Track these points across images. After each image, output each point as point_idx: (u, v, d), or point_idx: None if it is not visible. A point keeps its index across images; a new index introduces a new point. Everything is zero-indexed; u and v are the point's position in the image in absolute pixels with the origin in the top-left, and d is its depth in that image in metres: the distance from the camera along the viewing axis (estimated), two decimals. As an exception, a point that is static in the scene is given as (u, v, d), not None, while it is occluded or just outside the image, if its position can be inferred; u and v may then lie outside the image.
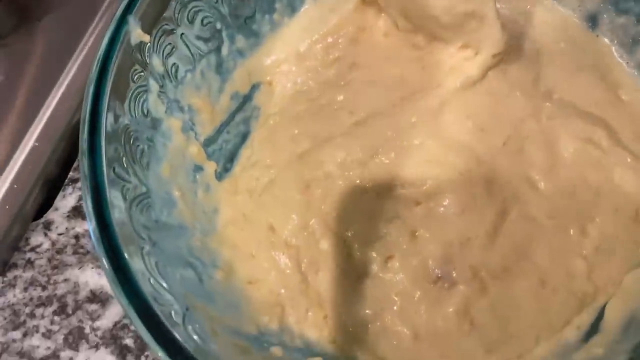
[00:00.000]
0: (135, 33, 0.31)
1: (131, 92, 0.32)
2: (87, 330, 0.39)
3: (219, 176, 0.38)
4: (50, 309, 0.40)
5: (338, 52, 0.40)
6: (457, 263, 0.34)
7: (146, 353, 0.39)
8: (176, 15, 0.35)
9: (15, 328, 0.40)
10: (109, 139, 0.29)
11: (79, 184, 0.44)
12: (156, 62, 0.33)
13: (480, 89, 0.37)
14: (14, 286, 0.41)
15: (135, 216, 0.29)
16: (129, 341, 0.39)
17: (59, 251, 0.42)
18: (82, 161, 0.28)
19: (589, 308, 0.33)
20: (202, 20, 0.37)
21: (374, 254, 0.35)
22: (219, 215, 0.36)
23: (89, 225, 0.27)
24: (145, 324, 0.25)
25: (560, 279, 0.34)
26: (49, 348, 0.39)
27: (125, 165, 0.30)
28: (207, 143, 0.38)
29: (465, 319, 0.33)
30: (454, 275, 0.34)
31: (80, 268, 0.41)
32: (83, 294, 0.41)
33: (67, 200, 0.44)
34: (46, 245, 0.42)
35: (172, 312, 0.27)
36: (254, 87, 0.41)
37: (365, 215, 0.35)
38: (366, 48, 0.40)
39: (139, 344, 0.39)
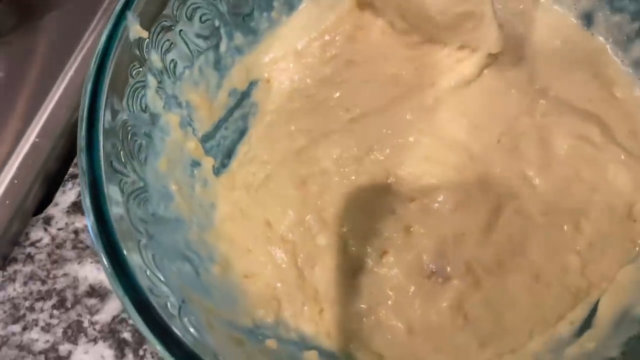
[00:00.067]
0: (134, 29, 0.31)
1: (130, 87, 0.32)
2: (86, 324, 0.40)
3: (217, 171, 0.38)
4: (49, 303, 0.41)
5: (335, 50, 0.40)
6: (451, 258, 0.34)
7: (144, 347, 0.39)
8: (175, 12, 0.35)
9: (14, 321, 0.40)
10: (107, 134, 0.29)
11: (78, 180, 0.45)
12: (154, 58, 0.34)
13: (476, 87, 0.37)
14: (14, 280, 0.41)
15: (133, 209, 0.29)
16: (127, 335, 0.39)
17: (59, 246, 0.42)
18: (80, 157, 0.28)
19: (583, 303, 0.34)
20: (200, 18, 0.37)
21: (369, 249, 0.35)
22: (216, 210, 0.37)
23: (87, 221, 0.27)
24: (143, 317, 0.26)
25: (554, 274, 0.34)
26: (48, 341, 0.39)
27: (123, 160, 0.30)
28: (205, 139, 0.38)
29: (459, 314, 0.33)
30: (448, 270, 0.34)
31: (79, 263, 0.42)
32: (82, 288, 0.41)
33: (67, 195, 0.45)
34: (46, 240, 0.43)
35: (168, 304, 0.27)
36: (252, 84, 0.41)
37: (360, 211, 0.36)
38: (363, 46, 0.40)
39: (137, 337, 0.39)
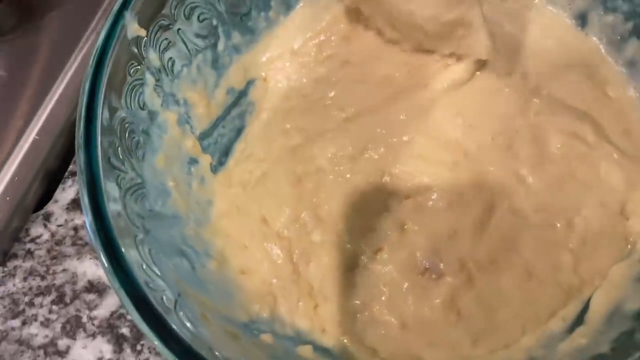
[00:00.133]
0: (132, 28, 0.32)
1: (128, 85, 0.32)
2: (85, 319, 0.40)
3: (214, 169, 0.39)
4: (48, 299, 0.41)
5: (330, 50, 0.41)
6: (444, 255, 0.35)
7: (142, 342, 0.39)
8: (173, 11, 0.35)
9: (14, 316, 0.41)
10: (105, 132, 0.30)
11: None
12: (153, 57, 0.34)
13: (469, 87, 0.38)
14: (13, 276, 0.42)
15: (130, 205, 0.30)
16: (125, 330, 0.40)
17: (58, 242, 0.43)
18: (78, 155, 0.29)
19: (575, 300, 0.34)
20: (198, 17, 0.37)
21: (364, 246, 0.35)
22: (213, 207, 0.37)
23: (85, 219, 0.27)
24: (141, 314, 0.26)
25: (547, 271, 0.34)
26: (47, 336, 0.40)
27: (120, 157, 0.31)
28: (203, 137, 0.38)
29: (452, 310, 0.34)
30: (442, 267, 0.34)
31: (78, 259, 0.42)
32: (81, 284, 0.41)
33: (66, 192, 0.45)
34: (46, 236, 0.43)
35: (164, 298, 0.27)
36: (250, 83, 0.41)
37: (355, 209, 0.36)
38: (357, 47, 0.41)
39: (135, 333, 0.40)
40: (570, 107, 0.37)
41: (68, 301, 0.41)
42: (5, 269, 0.42)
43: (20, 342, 0.40)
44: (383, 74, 0.39)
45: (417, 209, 0.36)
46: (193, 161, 0.37)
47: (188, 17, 0.37)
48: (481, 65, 0.38)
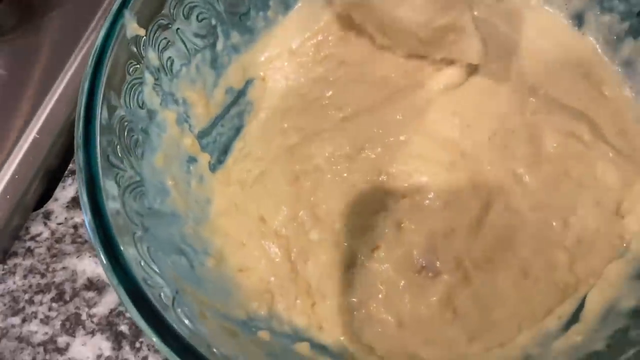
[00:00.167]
0: (131, 27, 0.32)
1: (127, 84, 0.33)
2: (84, 316, 0.41)
3: (213, 168, 0.39)
4: (48, 296, 0.41)
5: (328, 50, 0.41)
6: (441, 253, 0.35)
7: (141, 339, 0.40)
8: (172, 10, 0.36)
9: (14, 314, 0.41)
10: (104, 131, 0.30)
11: (78, 176, 0.46)
12: (152, 56, 0.34)
13: (466, 88, 0.38)
14: (14, 273, 0.42)
15: (129, 203, 0.30)
16: (124, 328, 0.40)
17: (58, 240, 0.43)
18: (78, 154, 0.29)
19: (571, 298, 0.34)
20: (197, 16, 0.38)
21: (361, 245, 0.36)
22: (212, 205, 0.38)
23: (84, 217, 0.28)
24: (139, 311, 0.26)
25: (543, 269, 0.35)
26: (46, 333, 0.40)
27: (119, 155, 0.31)
28: (202, 135, 0.39)
29: (448, 308, 0.34)
30: (438, 265, 0.35)
31: (78, 257, 0.43)
32: (80, 281, 0.42)
33: (66, 191, 0.45)
34: (45, 234, 0.44)
35: (162, 295, 0.28)
36: (248, 83, 0.42)
37: (352, 208, 0.36)
38: (354, 47, 0.41)
39: (134, 330, 0.40)
40: (566, 106, 0.37)
41: (67, 299, 0.41)
42: (6, 266, 0.42)
43: (20, 339, 0.40)
44: (380, 74, 0.39)
45: (413, 207, 0.36)
46: (192, 160, 0.38)
47: (187, 17, 0.37)
48: (474, 69, 0.38)
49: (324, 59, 0.41)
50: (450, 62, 0.38)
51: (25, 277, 0.42)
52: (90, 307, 0.41)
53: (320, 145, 0.38)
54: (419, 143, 0.37)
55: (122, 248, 0.27)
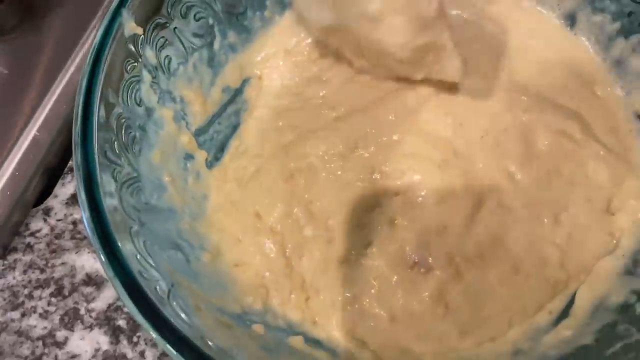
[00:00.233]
0: (129, 26, 0.33)
1: (125, 82, 0.33)
2: (82, 311, 0.41)
3: (210, 165, 0.39)
4: (47, 291, 0.42)
5: (322, 50, 0.42)
6: (433, 249, 0.35)
7: (138, 334, 0.40)
8: (169, 10, 0.36)
9: (14, 308, 0.41)
10: (102, 128, 0.31)
11: (77, 173, 0.46)
12: (149, 54, 0.35)
13: (457, 88, 0.38)
14: (13, 269, 0.43)
15: (126, 198, 0.31)
16: (121, 322, 0.41)
17: (57, 236, 0.44)
18: (75, 152, 0.29)
19: (561, 294, 0.35)
20: (194, 16, 0.38)
21: (355, 241, 0.36)
22: (208, 202, 0.38)
23: (82, 215, 0.28)
24: (136, 305, 0.27)
25: (534, 266, 0.35)
26: (45, 328, 0.41)
27: (117, 151, 0.32)
28: (198, 133, 0.39)
29: (440, 303, 0.34)
30: (430, 261, 0.35)
31: (77, 252, 0.43)
32: (79, 277, 0.42)
33: (66, 188, 0.46)
34: (45, 230, 0.44)
35: (157, 288, 0.28)
36: (245, 81, 0.42)
37: (346, 205, 0.37)
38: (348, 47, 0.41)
39: (132, 325, 0.41)
40: (558, 105, 0.38)
41: (66, 294, 0.42)
42: (6, 262, 0.43)
43: (19, 333, 0.41)
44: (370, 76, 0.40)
45: (407, 205, 0.37)
46: (189, 157, 0.38)
47: (184, 16, 0.37)
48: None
49: (318, 59, 0.42)
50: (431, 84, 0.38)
51: (25, 272, 0.43)
52: (88, 302, 0.41)
53: (315, 143, 0.38)
54: (411, 142, 0.38)
55: (119, 244, 0.28)
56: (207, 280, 0.34)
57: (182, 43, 0.38)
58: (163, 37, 0.36)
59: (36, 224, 0.44)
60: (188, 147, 0.38)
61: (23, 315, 0.41)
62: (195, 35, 0.39)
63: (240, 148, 0.40)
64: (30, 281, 0.42)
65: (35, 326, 0.41)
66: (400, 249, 0.35)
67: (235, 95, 0.42)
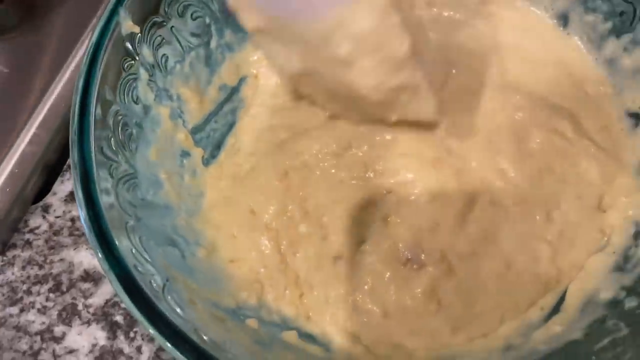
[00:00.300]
0: (126, 24, 0.33)
1: (122, 79, 0.34)
2: (80, 307, 0.42)
3: (206, 162, 0.40)
4: (46, 287, 0.42)
5: None
6: (426, 246, 0.36)
7: (135, 329, 0.41)
8: (166, 9, 0.37)
9: (12, 304, 0.42)
10: (99, 125, 0.31)
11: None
12: (146, 53, 0.35)
13: (449, 87, 0.39)
14: (12, 265, 0.43)
15: (122, 193, 0.31)
16: (119, 318, 0.41)
17: (56, 233, 0.44)
18: (72, 150, 0.30)
19: (553, 291, 0.35)
20: (191, 15, 0.39)
21: (348, 238, 0.36)
22: (204, 199, 0.39)
23: (80, 213, 0.29)
24: (135, 303, 0.27)
25: (525, 262, 0.35)
26: (43, 323, 0.41)
27: (114, 148, 0.32)
28: (195, 131, 0.40)
29: (432, 299, 0.35)
30: (423, 257, 0.35)
31: (75, 249, 0.44)
32: (77, 273, 0.43)
33: (65, 185, 0.46)
34: (44, 227, 0.45)
35: (152, 281, 0.29)
36: (242, 80, 0.43)
37: (340, 202, 0.37)
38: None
39: (129, 320, 0.41)
40: (550, 104, 0.38)
41: (64, 289, 0.42)
42: (5, 258, 0.44)
43: (17, 328, 0.41)
44: None
45: (400, 203, 0.37)
46: (185, 154, 0.39)
47: (182, 15, 0.38)
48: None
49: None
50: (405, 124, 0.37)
51: (23, 268, 0.43)
52: (86, 297, 0.42)
53: (308, 142, 0.39)
54: (404, 141, 0.38)
55: (116, 242, 0.28)
56: (203, 275, 0.34)
57: (179, 42, 0.38)
58: (160, 35, 0.37)
59: (35, 220, 0.45)
60: (184, 144, 0.38)
61: (21, 310, 0.42)
62: (192, 34, 0.39)
63: (236, 146, 0.40)
64: (28, 277, 0.43)
65: (33, 321, 0.41)
66: (394, 245, 0.36)
67: (232, 93, 0.42)
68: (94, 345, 0.40)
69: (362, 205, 0.37)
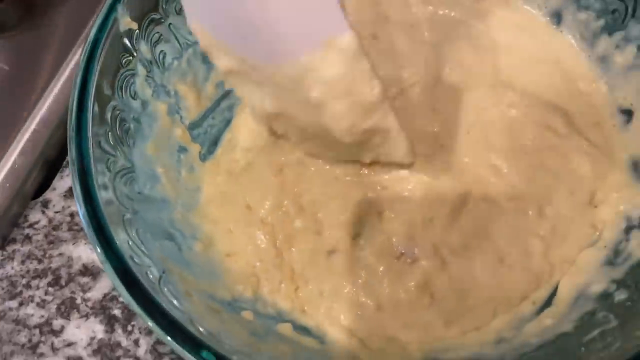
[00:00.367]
0: (124, 21, 0.34)
1: (120, 75, 0.34)
2: (79, 300, 0.42)
3: (203, 157, 0.40)
4: (45, 281, 0.43)
5: None
6: (419, 241, 0.36)
7: (132, 322, 0.41)
8: (165, 6, 0.37)
9: (12, 298, 0.42)
10: (96, 121, 0.32)
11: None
12: (144, 49, 0.36)
13: (444, 84, 0.39)
14: (12, 259, 0.44)
15: (119, 187, 0.32)
16: (117, 312, 0.42)
17: (55, 228, 0.45)
18: (70, 147, 0.30)
19: (545, 285, 0.35)
20: (189, 13, 0.39)
21: (343, 233, 0.37)
22: (201, 193, 0.39)
23: (78, 209, 0.29)
24: (132, 294, 0.28)
25: (518, 257, 0.36)
26: (42, 316, 0.42)
27: (112, 143, 0.33)
28: (192, 127, 0.40)
29: (425, 293, 0.35)
30: (416, 252, 0.36)
31: (74, 244, 0.44)
32: (76, 267, 0.43)
33: (64, 181, 0.47)
34: (43, 222, 0.45)
35: (148, 273, 0.29)
36: (239, 77, 0.43)
37: (335, 198, 0.38)
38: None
39: (127, 314, 0.41)
40: (543, 100, 0.39)
41: (63, 284, 0.43)
42: (4, 252, 0.44)
43: (17, 321, 0.42)
44: None
45: (394, 198, 0.37)
46: (182, 149, 0.39)
47: (179, 13, 0.38)
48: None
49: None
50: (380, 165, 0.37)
51: (23, 262, 0.44)
52: (84, 291, 0.42)
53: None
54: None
55: (114, 236, 0.29)
56: (199, 268, 0.35)
57: (177, 39, 0.39)
58: (158, 32, 0.37)
59: (35, 215, 0.45)
60: (182, 140, 0.39)
61: (21, 304, 0.42)
62: (190, 31, 0.39)
63: (232, 142, 0.41)
64: (28, 271, 0.43)
65: (32, 315, 0.42)
66: (387, 240, 0.36)
67: (229, 90, 0.43)
68: (92, 338, 0.41)
69: (356, 201, 0.38)
